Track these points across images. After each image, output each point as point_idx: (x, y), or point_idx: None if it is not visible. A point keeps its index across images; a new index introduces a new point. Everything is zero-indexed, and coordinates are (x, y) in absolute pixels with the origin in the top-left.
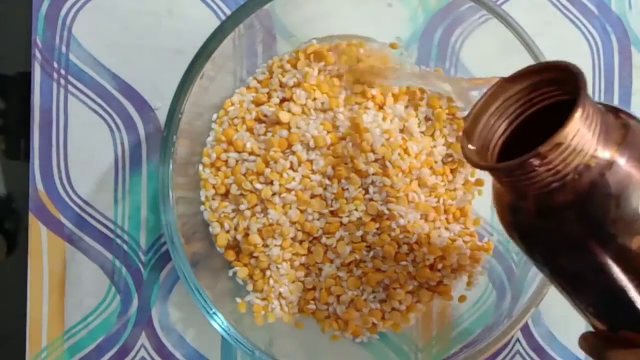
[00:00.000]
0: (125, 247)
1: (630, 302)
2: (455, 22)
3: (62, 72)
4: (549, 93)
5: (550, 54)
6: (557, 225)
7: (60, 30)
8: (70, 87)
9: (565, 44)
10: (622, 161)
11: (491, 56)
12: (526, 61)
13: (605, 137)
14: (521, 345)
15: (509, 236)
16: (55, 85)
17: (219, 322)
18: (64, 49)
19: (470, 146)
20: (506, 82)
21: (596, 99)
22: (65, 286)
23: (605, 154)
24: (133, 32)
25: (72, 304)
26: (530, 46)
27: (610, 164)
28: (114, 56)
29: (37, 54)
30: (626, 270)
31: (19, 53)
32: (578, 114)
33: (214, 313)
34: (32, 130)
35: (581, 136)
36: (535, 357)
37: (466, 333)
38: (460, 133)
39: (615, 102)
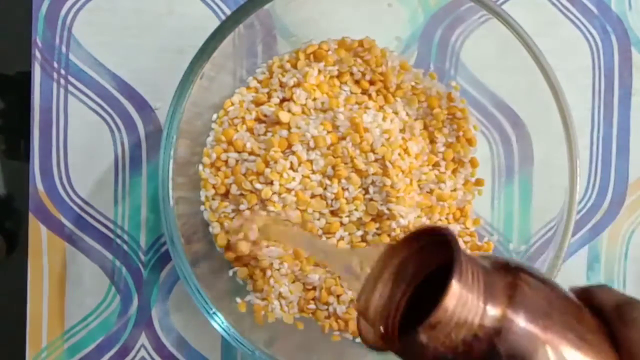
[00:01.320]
0: (125, 247)
1: None
2: (455, 22)
3: (62, 72)
4: (436, 255)
5: (550, 54)
6: None
7: (60, 30)
8: (70, 87)
9: (565, 44)
10: (511, 325)
11: (491, 56)
12: (526, 61)
13: (491, 301)
14: None
15: None
16: (55, 85)
17: (219, 322)
18: (64, 49)
19: (364, 324)
20: (392, 250)
21: (596, 99)
22: (65, 286)
23: (491, 320)
24: (133, 32)
25: (72, 304)
26: (530, 46)
27: (498, 331)
28: (114, 56)
29: (37, 54)
30: None
31: (19, 53)
32: (452, 289)
33: (214, 313)
34: (32, 130)
35: (461, 307)
36: None
37: None
38: (355, 314)
39: (615, 103)
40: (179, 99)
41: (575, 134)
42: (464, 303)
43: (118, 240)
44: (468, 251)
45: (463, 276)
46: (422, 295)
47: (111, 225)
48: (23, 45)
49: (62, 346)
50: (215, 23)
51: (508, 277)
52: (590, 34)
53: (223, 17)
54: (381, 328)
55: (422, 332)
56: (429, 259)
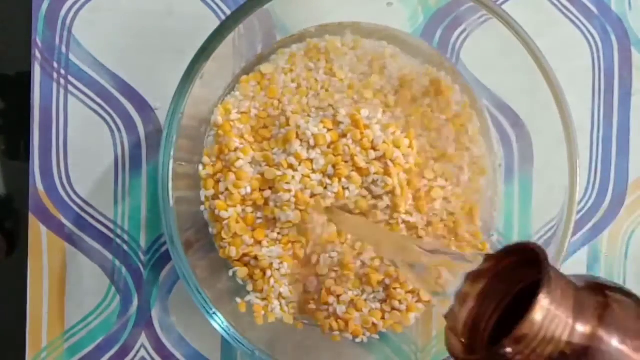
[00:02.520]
0: (125, 247)
1: None
2: (455, 22)
3: (62, 72)
4: (527, 273)
5: (550, 54)
6: None
7: (60, 30)
8: (70, 87)
9: (565, 44)
10: (601, 345)
11: (491, 56)
12: (526, 61)
13: (581, 319)
14: None
15: None
16: (55, 85)
17: (219, 322)
18: (64, 49)
19: (454, 339)
20: (483, 267)
21: (596, 99)
22: (65, 286)
23: (580, 338)
24: (133, 32)
25: (72, 304)
26: (530, 46)
27: (586, 349)
28: (114, 56)
29: (37, 54)
30: None
31: (19, 53)
32: (540, 303)
33: (214, 313)
34: (32, 130)
35: (549, 322)
36: None
37: None
38: (445, 327)
39: (615, 103)
40: (179, 99)
41: (575, 134)
42: (552, 318)
43: (118, 240)
44: (559, 268)
45: (552, 291)
46: (513, 313)
47: (111, 225)
48: (23, 45)
49: (62, 346)
50: (215, 23)
51: (599, 296)
52: (590, 34)
53: (223, 17)
54: (467, 341)
55: (507, 344)
56: (520, 276)
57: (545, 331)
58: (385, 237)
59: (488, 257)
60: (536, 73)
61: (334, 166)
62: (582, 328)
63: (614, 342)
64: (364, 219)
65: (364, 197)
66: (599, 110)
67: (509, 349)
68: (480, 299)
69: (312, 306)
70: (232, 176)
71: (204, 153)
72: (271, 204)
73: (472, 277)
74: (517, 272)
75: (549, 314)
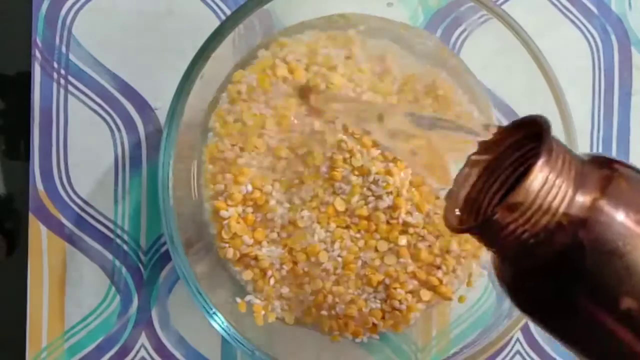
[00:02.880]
0: (125, 247)
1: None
2: (455, 22)
3: (62, 72)
4: (531, 150)
5: (550, 54)
6: (535, 287)
7: (60, 30)
8: (70, 87)
9: (565, 44)
10: (600, 216)
11: (491, 56)
12: (526, 61)
13: (581, 190)
14: (521, 345)
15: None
16: (55, 85)
17: (219, 322)
18: (64, 49)
19: (456, 211)
20: (487, 145)
21: (596, 99)
22: (65, 286)
23: (578, 209)
24: (133, 32)
25: (72, 304)
26: (530, 46)
27: (584, 221)
28: (114, 56)
29: (37, 54)
30: (619, 333)
31: (19, 53)
32: (537, 171)
33: (214, 313)
34: (32, 130)
35: (546, 191)
36: (535, 357)
37: (466, 333)
38: (444, 197)
39: (615, 103)
40: (179, 99)
41: (575, 134)
42: (550, 187)
43: (118, 240)
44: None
45: (551, 160)
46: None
47: (111, 225)
48: (23, 45)
49: (62, 346)
50: (215, 23)
51: (605, 169)
52: (590, 34)
53: (223, 17)
54: (465, 215)
55: (501, 211)
56: (526, 153)
57: (541, 200)
58: (373, 111)
59: (496, 130)
60: (536, 73)
61: (332, 167)
62: (582, 199)
63: (616, 214)
64: (352, 101)
65: (365, 197)
66: (599, 110)
67: (502, 216)
68: (484, 174)
69: (312, 306)
70: (232, 174)
71: (204, 152)
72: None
73: (478, 150)
74: (524, 149)
75: (546, 182)
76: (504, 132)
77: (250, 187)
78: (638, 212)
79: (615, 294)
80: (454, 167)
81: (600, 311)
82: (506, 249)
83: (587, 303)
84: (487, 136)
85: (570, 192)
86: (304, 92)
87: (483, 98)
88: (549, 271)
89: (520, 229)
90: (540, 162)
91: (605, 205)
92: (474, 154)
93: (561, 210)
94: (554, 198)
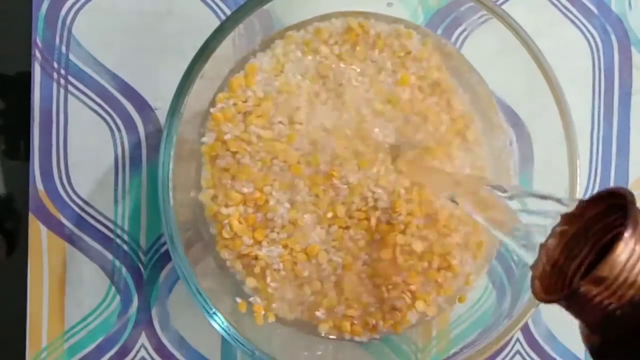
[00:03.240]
0: (125, 247)
1: None
2: (455, 22)
3: (62, 72)
4: (616, 220)
5: (550, 54)
6: (622, 356)
7: (60, 30)
8: (70, 87)
9: (565, 44)
10: None
11: (491, 56)
12: (526, 61)
13: None
14: (521, 345)
15: None
16: (55, 85)
17: (219, 322)
18: (64, 49)
19: (538, 283)
20: (571, 216)
21: (596, 99)
22: (65, 286)
23: None
24: (133, 32)
25: (72, 304)
26: (530, 46)
27: None
28: (114, 56)
29: (37, 54)
30: None
31: (19, 53)
32: (622, 243)
33: (214, 313)
34: (32, 130)
35: (632, 265)
36: (535, 357)
37: (466, 333)
38: (530, 266)
39: (615, 103)
40: (179, 99)
41: (575, 134)
42: (636, 260)
43: (118, 240)
44: None
45: (637, 232)
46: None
47: (111, 225)
48: (23, 45)
49: (62, 346)
50: (215, 23)
51: None
52: (590, 34)
53: (223, 17)
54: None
55: (587, 284)
56: (611, 223)
57: (627, 273)
58: (457, 181)
59: (580, 203)
60: (536, 73)
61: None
62: None
63: None
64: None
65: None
66: (599, 110)
67: (587, 289)
68: (569, 245)
69: (312, 306)
70: (232, 174)
71: (204, 152)
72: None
73: (562, 221)
74: (608, 220)
75: (632, 255)
76: (587, 204)
77: (250, 187)
78: None
79: None
80: None
81: None
82: (593, 319)
83: None
84: (571, 208)
85: None
86: (394, 151)
87: (486, 98)
88: (635, 341)
89: (606, 301)
90: (626, 235)
91: None
92: (558, 225)
93: None
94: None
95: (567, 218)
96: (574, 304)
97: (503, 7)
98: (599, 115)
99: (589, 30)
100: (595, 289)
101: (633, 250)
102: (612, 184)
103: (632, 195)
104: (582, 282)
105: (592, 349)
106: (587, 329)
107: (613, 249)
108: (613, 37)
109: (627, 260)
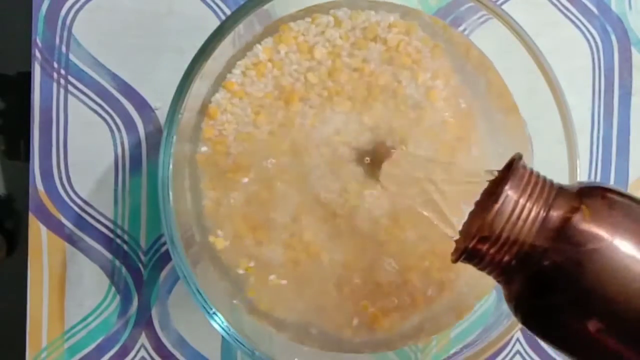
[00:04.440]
0: (125, 247)
1: None
2: (455, 22)
3: (62, 72)
4: None
5: (550, 54)
6: (529, 306)
7: (60, 30)
8: (70, 87)
9: (565, 44)
10: (565, 246)
11: (491, 56)
12: (526, 61)
13: (550, 214)
14: (521, 345)
15: None
16: (55, 85)
17: (219, 322)
18: (64, 49)
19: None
20: (488, 189)
21: (596, 99)
22: (65, 286)
23: (544, 240)
24: (133, 32)
25: (72, 304)
26: (530, 46)
27: (546, 251)
28: (114, 56)
29: (37, 54)
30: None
31: (19, 53)
32: (502, 194)
33: (214, 313)
34: (32, 130)
35: (516, 219)
36: (535, 357)
37: (466, 333)
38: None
39: (615, 103)
40: (179, 99)
41: (575, 134)
42: (520, 212)
43: (118, 240)
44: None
45: (516, 186)
46: None
47: (111, 225)
48: (23, 45)
49: (62, 346)
50: (215, 23)
51: (575, 200)
52: (590, 34)
53: (223, 17)
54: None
55: (473, 243)
56: None
57: (511, 226)
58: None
59: (493, 174)
60: (536, 73)
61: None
62: (547, 230)
63: (587, 242)
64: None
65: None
66: (599, 110)
67: (478, 247)
68: (480, 215)
69: (313, 306)
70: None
71: (202, 151)
72: None
73: (481, 195)
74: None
75: (513, 213)
76: (499, 173)
77: (250, 186)
78: (600, 239)
79: (584, 315)
80: None
81: (580, 333)
82: (496, 274)
83: (567, 320)
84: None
85: (540, 217)
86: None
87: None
88: (535, 291)
89: (497, 257)
90: (505, 186)
91: (574, 234)
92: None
93: (529, 241)
94: (524, 222)
95: (484, 191)
96: (475, 262)
97: (503, 7)
98: (599, 115)
99: (589, 30)
100: (483, 246)
101: (514, 206)
102: (612, 184)
103: (519, 154)
104: (471, 237)
105: (507, 301)
106: (502, 286)
107: (491, 205)
108: (613, 37)
109: (508, 217)
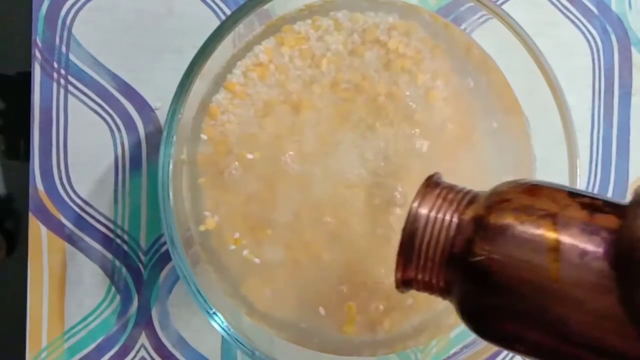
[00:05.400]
0: (125, 247)
1: None
2: (456, 22)
3: (62, 72)
4: None
5: (550, 54)
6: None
7: (60, 30)
8: (70, 87)
9: (565, 44)
10: (466, 265)
11: (491, 56)
12: (526, 61)
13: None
14: None
15: None
16: (55, 85)
17: (219, 322)
18: (64, 49)
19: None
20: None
21: (596, 99)
22: (65, 286)
23: (458, 246)
24: (133, 32)
25: (72, 304)
26: (530, 46)
27: (459, 268)
28: (114, 56)
29: (37, 54)
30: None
31: (19, 53)
32: (412, 212)
33: (214, 313)
34: (32, 130)
35: (429, 231)
36: None
37: (466, 333)
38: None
39: (615, 103)
40: (179, 99)
41: (575, 134)
42: (431, 226)
43: (118, 240)
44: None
45: (425, 201)
46: None
47: (111, 225)
48: (23, 45)
49: (62, 346)
50: (215, 23)
51: (481, 209)
52: (590, 34)
53: (223, 17)
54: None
55: (401, 273)
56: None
57: (424, 253)
58: None
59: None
60: (536, 73)
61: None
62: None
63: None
64: None
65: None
66: (599, 110)
67: (407, 274)
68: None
69: (313, 306)
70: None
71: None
72: None
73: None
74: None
75: (424, 228)
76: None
77: (249, 187)
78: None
79: (498, 322)
80: None
81: (514, 337)
82: (438, 294)
83: (498, 323)
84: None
85: (450, 231)
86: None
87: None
88: (466, 303)
89: (427, 279)
90: (414, 204)
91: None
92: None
93: (446, 252)
94: (437, 243)
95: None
96: (416, 289)
97: (503, 7)
98: (599, 115)
99: (589, 30)
100: (410, 272)
101: (425, 226)
102: (612, 184)
103: (433, 173)
104: (400, 264)
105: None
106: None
107: (403, 229)
108: (613, 37)
109: (421, 238)
